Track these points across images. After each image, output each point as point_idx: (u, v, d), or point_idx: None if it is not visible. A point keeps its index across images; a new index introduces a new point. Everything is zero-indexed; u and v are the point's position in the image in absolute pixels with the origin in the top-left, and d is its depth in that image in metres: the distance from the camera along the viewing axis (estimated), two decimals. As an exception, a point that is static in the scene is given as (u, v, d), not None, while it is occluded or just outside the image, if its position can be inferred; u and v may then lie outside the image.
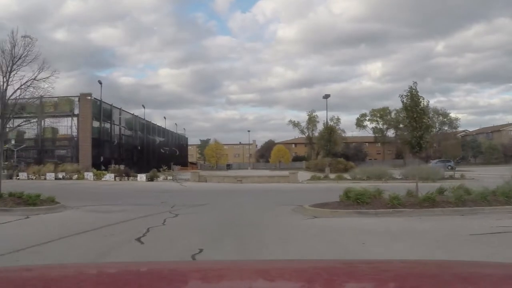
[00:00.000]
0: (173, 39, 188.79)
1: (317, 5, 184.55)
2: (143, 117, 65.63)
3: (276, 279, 2.20)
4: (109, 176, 38.60)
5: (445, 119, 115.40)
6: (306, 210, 15.36)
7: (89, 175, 39.40)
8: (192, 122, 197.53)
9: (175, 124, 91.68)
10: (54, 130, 47.05)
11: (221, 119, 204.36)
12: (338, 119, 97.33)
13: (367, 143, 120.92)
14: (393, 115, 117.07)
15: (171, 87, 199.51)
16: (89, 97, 45.25)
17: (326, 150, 38.72)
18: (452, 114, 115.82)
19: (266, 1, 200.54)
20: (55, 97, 45.94)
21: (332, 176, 38.75)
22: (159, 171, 42.00)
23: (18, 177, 39.55)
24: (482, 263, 3.19)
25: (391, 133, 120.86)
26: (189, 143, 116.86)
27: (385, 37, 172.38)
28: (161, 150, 72.06)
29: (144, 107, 70.37)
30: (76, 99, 45.87)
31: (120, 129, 55.44)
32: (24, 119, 28.24)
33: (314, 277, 2.10)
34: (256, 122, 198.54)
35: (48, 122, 45.76)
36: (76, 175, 40.01)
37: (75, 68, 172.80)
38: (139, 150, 62.13)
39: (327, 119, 53.17)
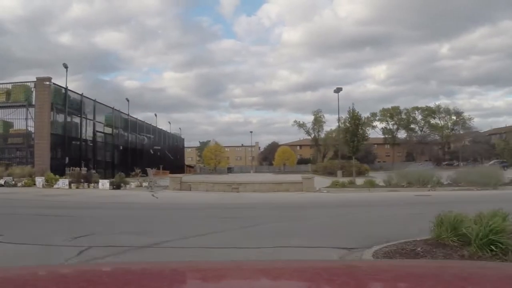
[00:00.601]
0: (177, 43, 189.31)
1: (322, 8, 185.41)
2: (127, 113, 55.67)
3: (276, 279, 2.11)
4: (62, 183, 29.31)
5: (458, 119, 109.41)
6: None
7: (40, 180, 29.98)
8: (196, 126, 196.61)
9: (168, 122, 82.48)
10: (7, 124, 37.30)
11: (225, 122, 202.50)
12: (345, 119, 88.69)
13: (375, 145, 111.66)
14: (403, 115, 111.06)
15: (175, 90, 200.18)
16: (48, 83, 35.29)
17: (352, 146, 28.92)
18: (466, 114, 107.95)
19: (271, 5, 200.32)
20: (7, 83, 36.33)
21: (358, 181, 29.00)
22: (128, 175, 32.36)
23: None
24: (482, 263, 3.47)
25: (401, 134, 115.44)
26: (189, 145, 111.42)
27: (390, 40, 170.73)
28: (151, 151, 61.99)
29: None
30: (32, 85, 35.80)
31: (94, 124, 45.20)
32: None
33: (314, 277, 2.06)
34: (260, 126, 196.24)
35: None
36: (24, 181, 30.76)
37: (79, 72, 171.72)
38: (121, 150, 52.11)
39: (339, 114, 46.75)
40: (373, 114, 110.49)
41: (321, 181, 29.72)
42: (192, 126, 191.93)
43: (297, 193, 25.42)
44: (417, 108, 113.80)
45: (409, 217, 13.25)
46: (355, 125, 30.15)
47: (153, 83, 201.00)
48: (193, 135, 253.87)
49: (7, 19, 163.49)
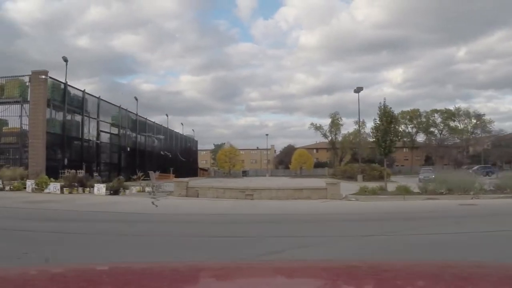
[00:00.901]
0: (194, 46, 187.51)
1: (339, 12, 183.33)
2: (134, 112, 51.81)
3: (276, 280, 2.10)
4: (54, 187, 25.80)
5: (478, 122, 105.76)
6: None
7: (29, 184, 26.60)
8: (212, 129, 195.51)
9: (181, 123, 78.88)
10: (0, 123, 33.65)
11: (241, 126, 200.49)
12: (363, 122, 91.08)
13: (394, 148, 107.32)
14: (423, 118, 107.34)
15: (191, 93, 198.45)
16: (44, 76, 31.74)
17: (383, 147, 25.12)
18: (487, 116, 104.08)
19: (289, 8, 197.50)
20: (0, 77, 32.94)
21: (390, 187, 25.25)
22: (130, 179, 28.79)
23: None
24: (482, 263, 2.94)
25: (420, 137, 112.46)
26: (203, 148, 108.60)
27: (407, 43, 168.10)
28: (162, 153, 58.41)
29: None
30: (27, 79, 32.31)
31: (98, 123, 41.60)
32: None
33: (314, 277, 2.11)
34: (276, 129, 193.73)
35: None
36: (13, 184, 27.33)
37: (96, 75, 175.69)
38: (128, 152, 48.48)
39: (359, 114, 44.21)
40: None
41: (344, 187, 25.89)
42: (208, 129, 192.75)
43: (321, 201, 21.71)
44: (436, 111, 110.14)
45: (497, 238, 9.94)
46: (387, 123, 26.17)
47: (169, 86, 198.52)
48: (209, 138, 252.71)
49: (24, 22, 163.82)
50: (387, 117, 26.14)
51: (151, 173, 27.56)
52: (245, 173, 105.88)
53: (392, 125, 26.66)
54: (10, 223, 12.87)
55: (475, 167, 61.39)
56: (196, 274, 2.18)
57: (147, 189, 26.94)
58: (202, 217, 15.95)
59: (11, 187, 26.85)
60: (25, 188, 26.64)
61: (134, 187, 27.15)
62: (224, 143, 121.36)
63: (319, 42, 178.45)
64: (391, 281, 1.98)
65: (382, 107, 26.47)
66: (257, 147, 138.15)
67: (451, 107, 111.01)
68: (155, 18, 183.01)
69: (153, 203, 20.19)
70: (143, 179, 28.84)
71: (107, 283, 1.93)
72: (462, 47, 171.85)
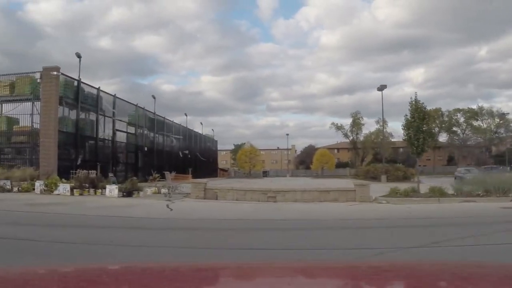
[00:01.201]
0: (215, 46, 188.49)
1: (360, 11, 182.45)
2: (152, 111, 49.96)
3: (276, 280, 2.06)
4: (63, 188, 24.01)
5: (501, 122, 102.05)
6: None
7: (38, 185, 24.80)
8: (233, 129, 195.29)
9: (200, 123, 77.07)
10: (11, 121, 32.17)
11: (261, 126, 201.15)
12: (385, 121, 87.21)
13: (427, 148, 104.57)
14: (445, 117, 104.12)
15: (212, 94, 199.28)
16: (55, 73, 30.00)
17: (416, 145, 22.84)
18: (510, 116, 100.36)
19: (310, 8, 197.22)
20: (11, 74, 31.25)
21: (422, 189, 23.02)
22: (146, 180, 26.92)
23: None
24: (482, 263, 3.05)
25: (442, 137, 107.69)
26: (224, 148, 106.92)
27: (428, 42, 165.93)
28: (180, 153, 56.52)
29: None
30: (38, 76, 30.57)
31: (114, 122, 39.79)
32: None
33: (314, 277, 2.09)
34: (296, 129, 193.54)
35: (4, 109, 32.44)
36: (22, 185, 25.63)
37: (117, 76, 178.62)
38: (146, 152, 46.64)
39: (383, 113, 43.80)
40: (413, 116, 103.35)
41: (376, 188, 23.75)
42: (229, 129, 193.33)
43: (349, 204, 19.77)
44: (458, 110, 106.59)
45: None
46: (419, 119, 23.75)
47: (190, 86, 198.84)
48: (229, 138, 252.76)
49: (46, 23, 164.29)
50: (419, 113, 23.71)
51: (166, 173, 25.63)
52: (265, 174, 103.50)
53: (425, 122, 24.19)
54: (6, 230, 11.18)
55: (462, 169, 56.07)
56: (197, 274, 2.11)
57: (162, 190, 25.08)
58: (220, 223, 14.04)
59: (19, 188, 25.21)
60: (34, 189, 24.93)
61: (149, 189, 25.32)
62: (244, 143, 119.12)
63: (340, 42, 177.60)
64: (391, 281, 1.97)
65: (413, 102, 24.07)
66: (278, 147, 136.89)
67: (473, 106, 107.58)
68: (176, 18, 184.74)
69: (167, 206, 18.37)
70: (159, 180, 26.93)
71: (107, 283, 1.89)
72: (483, 46, 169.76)
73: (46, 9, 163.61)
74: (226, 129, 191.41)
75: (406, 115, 24.65)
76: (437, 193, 21.36)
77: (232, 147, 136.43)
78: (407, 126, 24.37)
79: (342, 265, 2.66)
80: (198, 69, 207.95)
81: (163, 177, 26.99)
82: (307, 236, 10.77)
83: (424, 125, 24.12)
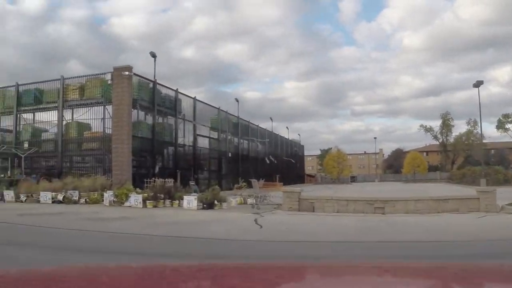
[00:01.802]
0: (298, 52, 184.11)
1: (442, 11, 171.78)
2: (236, 115, 45.97)
3: (276, 280, 2.01)
4: (135, 199, 20.30)
5: None
6: None
7: (107, 196, 21.29)
8: (316, 134, 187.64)
9: (286, 127, 72.52)
10: (82, 126, 28.94)
11: (345, 131, 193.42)
12: (475, 121, 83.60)
13: (510, 148, 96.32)
14: None
15: (295, 100, 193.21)
16: (127, 73, 26.50)
17: None
18: None
19: (391, 10, 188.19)
20: (81, 76, 28.19)
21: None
22: (231, 188, 22.97)
23: (1, 198, 23.24)
24: (482, 263, 3.12)
25: None
26: (308, 154, 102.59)
27: None
28: (266, 159, 52.34)
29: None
30: (109, 77, 27.22)
31: (195, 127, 36.00)
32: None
33: (314, 277, 2.09)
34: (381, 133, 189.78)
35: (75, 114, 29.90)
36: (89, 196, 22.29)
37: (201, 85, 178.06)
38: (229, 158, 42.66)
39: (480, 111, 47.34)
40: (505, 116, 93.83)
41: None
42: (312, 135, 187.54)
43: (475, 215, 15.31)
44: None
45: None
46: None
47: (273, 93, 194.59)
48: (313, 144, 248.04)
49: (130, 36, 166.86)
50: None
51: (253, 181, 21.34)
52: (353, 179, 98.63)
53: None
54: (44, 256, 8.35)
55: None
56: (197, 275, 2.10)
57: (249, 201, 20.99)
58: (327, 248, 9.72)
59: (87, 200, 21.88)
60: (103, 200, 21.56)
61: (234, 199, 21.21)
62: (331, 148, 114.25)
63: (423, 43, 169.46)
64: (391, 281, 1.96)
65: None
66: (365, 152, 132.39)
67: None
68: (258, 25, 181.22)
69: (256, 221, 14.16)
70: (243, 188, 22.71)
71: (107, 283, 1.87)
72: None
73: (130, 23, 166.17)
74: (310, 135, 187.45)
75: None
76: None
77: (316, 152, 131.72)
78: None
79: (342, 265, 2.61)
80: (281, 75, 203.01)
81: (249, 185, 22.77)
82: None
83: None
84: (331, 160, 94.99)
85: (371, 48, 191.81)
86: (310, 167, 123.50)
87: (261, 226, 13.12)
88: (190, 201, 19.15)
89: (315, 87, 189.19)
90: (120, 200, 20.58)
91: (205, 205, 18.90)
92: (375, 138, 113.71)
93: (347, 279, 2.02)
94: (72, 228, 12.80)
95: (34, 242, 10.36)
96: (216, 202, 19.28)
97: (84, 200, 21.82)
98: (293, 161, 65.39)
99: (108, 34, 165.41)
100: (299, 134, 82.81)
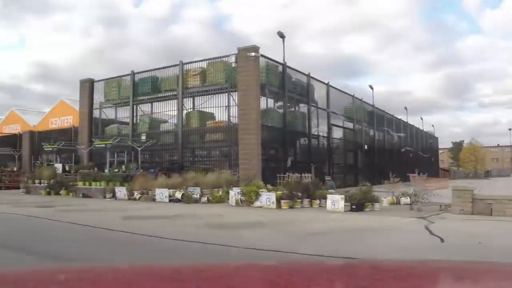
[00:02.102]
0: (423, 43, 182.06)
1: None
2: (370, 103, 40.96)
3: (276, 279, 1.94)
4: (267, 198, 16.43)
5: None
6: None
7: (233, 194, 17.62)
8: (443, 127, 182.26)
9: (420, 118, 65.88)
10: (204, 116, 25.47)
11: (472, 123, 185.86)
12: None
13: None
14: None
15: (421, 93, 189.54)
16: (253, 54, 22.80)
17: None
18: None
19: None
20: (201, 60, 25.05)
21: None
22: (380, 182, 20.29)
23: (113, 196, 20.85)
24: (482, 263, 2.89)
25: None
26: (439, 146, 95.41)
27: None
28: (402, 151, 46.82)
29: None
30: (233, 59, 23.60)
31: (329, 116, 31.54)
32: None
33: (314, 277, 1.96)
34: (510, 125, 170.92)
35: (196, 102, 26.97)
36: (212, 194, 18.89)
37: (326, 78, 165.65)
38: (365, 151, 37.80)
39: None
40: None
41: None
42: (439, 128, 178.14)
43: None
44: None
45: None
46: None
47: (399, 86, 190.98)
48: (441, 137, 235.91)
49: (254, 32, 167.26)
50: None
51: (412, 176, 16.70)
52: (487, 174, 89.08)
53: None
54: None
55: None
56: (197, 275, 2.02)
57: (402, 200, 16.37)
58: None
59: (209, 198, 18.43)
60: (224, 200, 18.21)
61: (385, 198, 16.59)
62: (463, 140, 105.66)
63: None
64: (391, 281, 1.85)
65: None
66: (498, 144, 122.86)
67: None
68: (382, 18, 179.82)
69: (429, 230, 9.69)
70: (397, 184, 18.00)
71: (107, 283, 1.80)
72: None
73: (253, 19, 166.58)
74: (437, 128, 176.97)
75: None
76: None
77: (446, 145, 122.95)
78: None
79: (342, 265, 2.63)
80: (406, 68, 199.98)
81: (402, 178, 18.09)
82: None
83: None
84: (467, 153, 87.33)
85: (499, 37, 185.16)
86: (440, 160, 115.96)
87: (442, 239, 8.57)
88: (336, 201, 14.84)
89: (440, 79, 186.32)
90: (249, 199, 16.77)
91: (353, 206, 14.56)
92: (510, 129, 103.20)
93: (347, 279, 1.90)
94: (189, 239, 9.14)
95: (134, 259, 7.15)
96: (366, 204, 14.92)
97: (206, 199, 18.44)
98: (427, 155, 59.33)
99: (230, 31, 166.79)
100: (433, 126, 75.14)
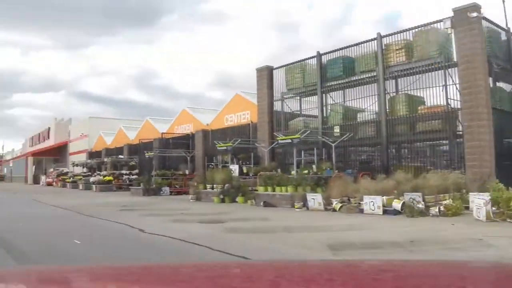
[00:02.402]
0: None
1: None
2: None
3: (276, 279, 1.92)
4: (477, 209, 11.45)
5: None
6: None
7: (480, 204, 11.81)
8: None
9: None
10: (413, 101, 19.58)
11: None
12: None
13: None
14: None
15: None
16: (475, 14, 17.05)
17: None
18: None
19: None
20: (403, 30, 20.14)
21: None
22: None
23: (304, 205, 16.57)
24: (482, 263, 3.03)
25: None
26: None
27: None
28: None
29: None
30: (448, 24, 18.01)
31: None
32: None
33: (314, 277, 1.94)
34: None
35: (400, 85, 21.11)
36: (442, 204, 13.45)
37: None
38: None
39: None
40: None
41: None
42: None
43: None
44: None
45: None
46: None
47: None
48: None
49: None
50: None
51: None
52: None
53: None
54: None
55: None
56: (197, 275, 2.01)
57: None
58: None
59: (440, 210, 13.09)
60: (467, 207, 13.13)
61: None
62: None
63: None
64: (391, 281, 1.85)
65: None
66: None
67: None
68: None
69: None
70: None
71: (107, 283, 1.80)
72: None
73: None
74: None
75: None
76: None
77: None
78: None
79: (342, 265, 2.52)
80: None
81: None
82: None
83: None
84: None
85: None
86: None
87: None
88: None
89: None
90: (509, 210, 11.38)
91: None
92: None
93: (347, 279, 1.87)
94: None
95: None
96: None
97: (437, 210, 13.08)
98: None
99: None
100: None
